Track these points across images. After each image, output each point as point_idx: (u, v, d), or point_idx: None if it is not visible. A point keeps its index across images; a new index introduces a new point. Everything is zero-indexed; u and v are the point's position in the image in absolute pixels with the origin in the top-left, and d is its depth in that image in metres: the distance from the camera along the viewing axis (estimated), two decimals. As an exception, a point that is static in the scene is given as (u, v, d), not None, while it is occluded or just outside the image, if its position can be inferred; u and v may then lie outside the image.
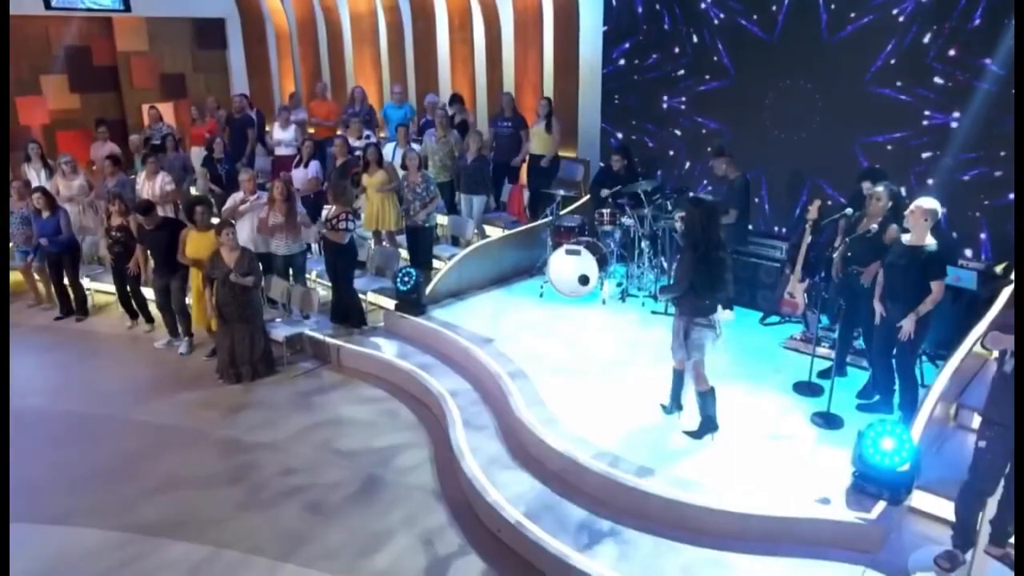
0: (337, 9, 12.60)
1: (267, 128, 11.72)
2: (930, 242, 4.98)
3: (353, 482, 5.65)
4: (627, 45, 8.99)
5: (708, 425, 5.37)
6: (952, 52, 6.63)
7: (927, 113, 6.87)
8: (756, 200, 8.08)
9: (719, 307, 5.18)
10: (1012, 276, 5.99)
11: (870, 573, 4.25)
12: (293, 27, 13.27)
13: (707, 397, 5.31)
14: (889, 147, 7.16)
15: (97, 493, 5.57)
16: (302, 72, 13.41)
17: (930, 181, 6.91)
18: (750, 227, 7.76)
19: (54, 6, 11.05)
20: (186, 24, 13.24)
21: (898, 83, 6.99)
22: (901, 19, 6.84)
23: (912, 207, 4.96)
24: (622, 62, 9.11)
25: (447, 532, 5.06)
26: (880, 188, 5.49)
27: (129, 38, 12.62)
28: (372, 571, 4.71)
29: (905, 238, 5.05)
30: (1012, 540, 4.13)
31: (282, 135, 10.69)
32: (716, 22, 8.16)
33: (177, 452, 6.13)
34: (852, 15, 7.12)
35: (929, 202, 4.97)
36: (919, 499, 4.71)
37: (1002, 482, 3.95)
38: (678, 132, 8.87)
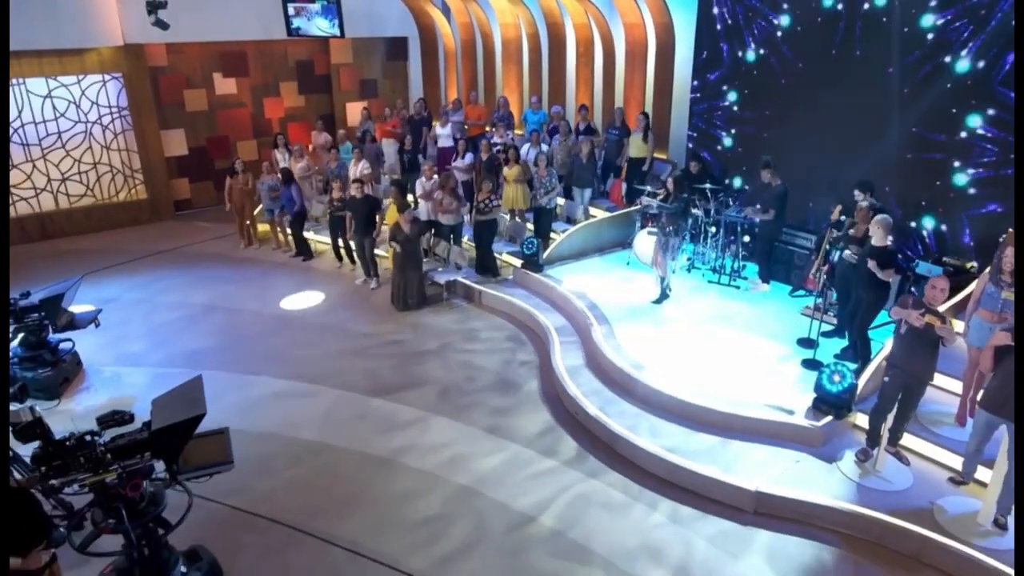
0: (492, 34, 14.03)
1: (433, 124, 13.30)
2: (885, 243, 6.03)
3: (484, 378, 7.36)
4: (710, 73, 9.79)
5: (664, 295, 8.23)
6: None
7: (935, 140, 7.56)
8: (799, 201, 8.92)
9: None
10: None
11: (809, 458, 5.59)
12: (458, 46, 14.71)
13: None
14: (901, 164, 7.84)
15: (305, 363, 7.62)
16: (463, 82, 14.83)
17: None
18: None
19: (294, 33, 13.14)
20: (379, 41, 14.92)
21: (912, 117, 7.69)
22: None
23: (873, 220, 6.05)
24: (706, 89, 9.93)
25: (544, 414, 6.73)
26: (864, 203, 6.58)
27: (339, 53, 14.55)
28: (495, 432, 6.48)
29: (872, 240, 6.13)
30: (902, 442, 5.42)
31: (442, 131, 12.17)
32: (775, 60, 8.90)
33: (361, 347, 7.98)
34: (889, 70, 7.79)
35: (883, 216, 6.05)
36: (861, 419, 5.90)
37: (896, 404, 5.22)
38: (744, 143, 9.58)
